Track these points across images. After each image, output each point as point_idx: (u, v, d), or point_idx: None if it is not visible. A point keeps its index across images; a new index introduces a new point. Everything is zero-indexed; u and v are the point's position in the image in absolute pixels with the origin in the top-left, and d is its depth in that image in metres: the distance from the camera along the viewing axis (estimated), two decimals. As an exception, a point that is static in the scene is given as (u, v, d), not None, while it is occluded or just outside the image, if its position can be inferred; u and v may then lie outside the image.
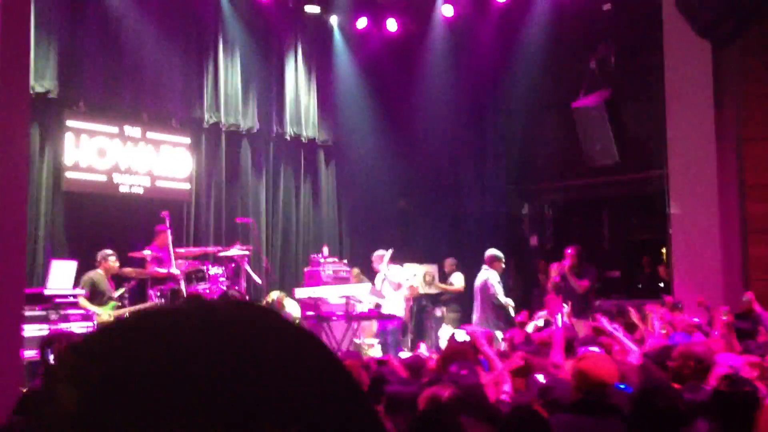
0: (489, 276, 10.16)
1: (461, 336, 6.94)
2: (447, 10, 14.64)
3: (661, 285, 12.90)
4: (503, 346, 7.23)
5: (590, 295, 9.79)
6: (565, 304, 8.23)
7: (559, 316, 7.71)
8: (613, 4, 13.79)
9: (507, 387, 4.79)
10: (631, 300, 10.93)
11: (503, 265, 10.82)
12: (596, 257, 13.26)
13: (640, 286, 13.75)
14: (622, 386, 4.17)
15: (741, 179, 11.38)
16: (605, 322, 6.68)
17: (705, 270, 10.84)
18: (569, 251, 9.84)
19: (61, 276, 9.24)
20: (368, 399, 0.62)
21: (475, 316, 10.28)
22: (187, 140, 12.40)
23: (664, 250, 13.64)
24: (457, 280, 12.75)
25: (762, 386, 4.21)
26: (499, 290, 10.23)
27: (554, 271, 9.88)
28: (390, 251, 11.26)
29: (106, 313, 9.25)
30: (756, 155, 11.38)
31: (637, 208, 14.83)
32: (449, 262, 13.19)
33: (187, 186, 12.33)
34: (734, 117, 11.51)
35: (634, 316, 7.80)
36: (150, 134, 12.00)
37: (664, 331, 7.44)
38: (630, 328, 7.80)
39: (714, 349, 5.68)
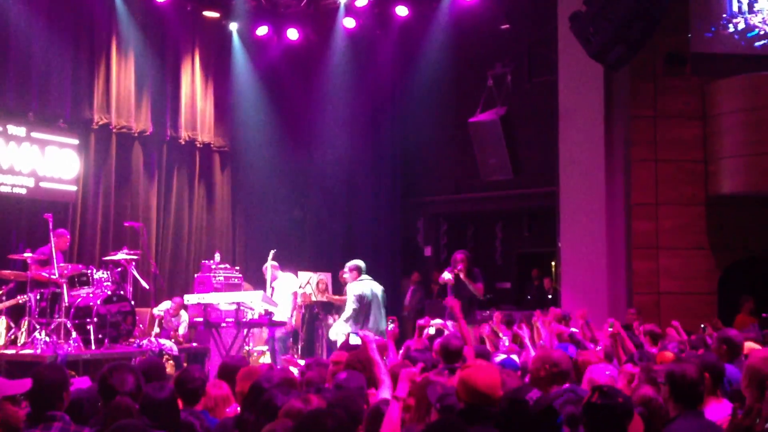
0: (381, 288, 10.01)
1: (355, 339, 6.88)
2: (349, 22, 14.65)
3: (550, 297, 13.21)
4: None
5: (475, 303, 9.77)
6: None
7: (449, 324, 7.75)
8: (511, 25, 14.13)
9: (387, 394, 4.71)
10: (521, 311, 11.14)
11: None
12: (489, 269, 13.47)
13: (529, 297, 14.04)
14: None
15: (627, 197, 11.77)
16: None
17: (591, 283, 11.16)
18: (460, 257, 9.64)
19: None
20: None
21: (371, 325, 10.09)
22: (75, 141, 11.95)
23: (553, 264, 14.00)
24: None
25: (650, 390, 4.30)
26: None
27: (444, 275, 9.74)
28: (272, 252, 11.09)
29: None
30: (641, 176, 11.81)
31: (528, 223, 15.19)
32: (344, 271, 13.09)
33: (73, 188, 11.86)
34: (623, 138, 11.92)
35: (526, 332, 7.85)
36: (35, 134, 11.49)
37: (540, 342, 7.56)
38: (518, 338, 7.91)
39: (595, 359, 5.80)
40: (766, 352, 4.67)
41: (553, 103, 12.15)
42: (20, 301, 9.42)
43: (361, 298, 9.60)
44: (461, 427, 3.26)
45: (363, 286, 9.77)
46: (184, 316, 11.22)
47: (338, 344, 10.15)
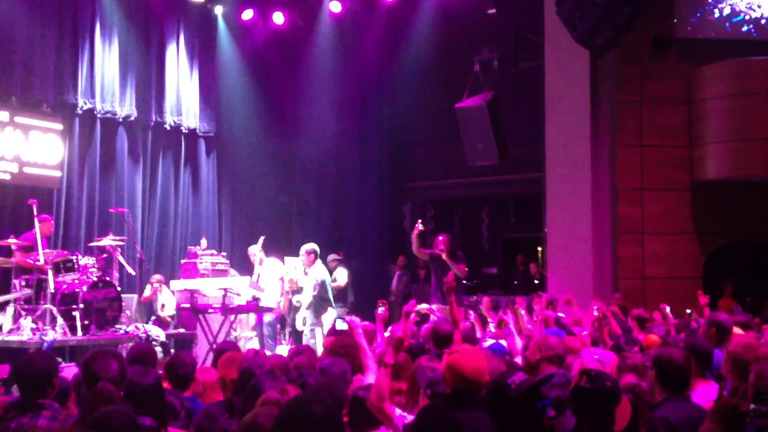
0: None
1: (341, 325, 6.87)
2: (335, 6, 14.60)
3: (536, 282, 13.26)
4: None
5: (460, 285, 9.85)
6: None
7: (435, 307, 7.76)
8: (498, 10, 14.10)
9: (372, 379, 4.72)
10: (507, 296, 11.19)
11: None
12: (475, 254, 13.51)
13: (516, 282, 14.08)
14: None
15: (613, 183, 11.79)
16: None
17: (577, 268, 11.19)
18: (441, 239, 9.70)
19: None
20: None
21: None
22: (59, 126, 11.84)
23: (539, 249, 14.04)
24: (341, 276, 12.70)
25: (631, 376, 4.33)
26: None
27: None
28: (262, 238, 11.11)
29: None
30: (627, 160, 11.83)
31: (514, 208, 15.23)
32: (331, 258, 13.12)
33: (57, 173, 11.77)
34: (609, 123, 11.93)
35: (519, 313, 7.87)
36: (18, 118, 11.38)
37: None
38: (503, 324, 7.94)
39: (579, 345, 5.85)
40: (746, 339, 4.72)
41: (540, 88, 12.14)
42: (23, 294, 9.31)
43: (324, 285, 9.71)
44: (448, 413, 3.25)
45: (324, 271, 9.91)
46: (166, 292, 11.16)
47: (304, 332, 10.30)
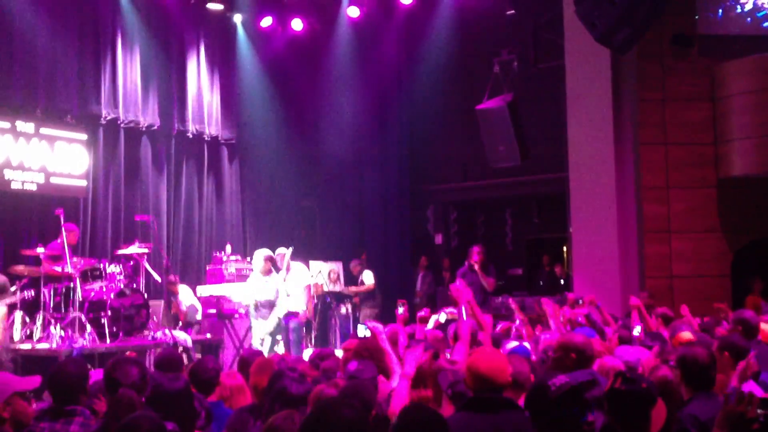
0: None
1: (362, 331, 6.88)
2: (353, 11, 14.63)
3: (562, 282, 13.19)
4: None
5: (490, 294, 10.03)
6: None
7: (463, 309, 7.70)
8: (517, 10, 14.06)
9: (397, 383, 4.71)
10: (532, 297, 11.13)
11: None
12: (499, 255, 13.48)
13: (541, 283, 14.03)
14: None
15: (638, 181, 11.70)
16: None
17: (603, 268, 11.10)
18: (476, 249, 10.05)
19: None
20: None
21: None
22: (84, 136, 11.98)
23: (564, 249, 13.97)
24: (368, 278, 12.70)
25: (668, 372, 4.31)
26: None
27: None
28: (290, 249, 11.11)
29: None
30: (651, 158, 11.73)
31: (538, 208, 15.18)
32: (354, 264, 13.14)
33: (83, 183, 11.90)
34: (631, 121, 11.84)
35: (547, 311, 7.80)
36: (44, 130, 11.52)
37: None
38: (532, 323, 7.91)
39: (608, 345, 5.81)
40: None
41: (561, 88, 12.07)
42: (27, 297, 9.41)
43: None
44: (430, 411, 3.21)
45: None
46: (183, 293, 11.13)
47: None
